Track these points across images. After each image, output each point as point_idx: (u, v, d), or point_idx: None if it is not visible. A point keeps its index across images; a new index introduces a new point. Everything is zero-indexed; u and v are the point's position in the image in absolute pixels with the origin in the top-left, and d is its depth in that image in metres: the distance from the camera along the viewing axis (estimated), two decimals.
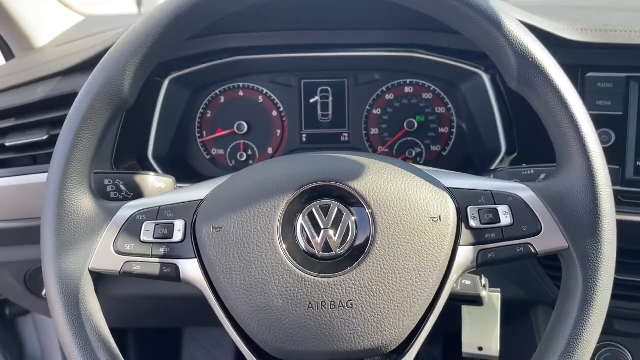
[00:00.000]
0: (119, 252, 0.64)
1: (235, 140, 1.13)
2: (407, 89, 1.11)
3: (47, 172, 0.95)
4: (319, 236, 0.62)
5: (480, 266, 0.64)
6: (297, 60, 1.06)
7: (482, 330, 0.92)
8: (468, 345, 0.93)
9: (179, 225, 0.65)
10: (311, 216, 0.62)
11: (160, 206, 0.66)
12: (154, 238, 0.64)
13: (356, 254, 0.61)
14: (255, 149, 1.13)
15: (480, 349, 0.92)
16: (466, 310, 0.93)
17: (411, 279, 0.61)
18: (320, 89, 1.11)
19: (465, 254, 0.63)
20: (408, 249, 0.61)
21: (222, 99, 1.12)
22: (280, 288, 0.60)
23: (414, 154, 1.11)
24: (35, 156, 0.99)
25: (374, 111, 1.11)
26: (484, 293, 0.79)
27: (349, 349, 0.60)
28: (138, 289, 1.11)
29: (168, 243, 0.64)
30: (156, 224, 0.65)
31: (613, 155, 0.90)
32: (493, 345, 0.92)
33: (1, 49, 1.20)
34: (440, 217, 0.62)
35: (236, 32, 1.04)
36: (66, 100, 0.97)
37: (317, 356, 0.61)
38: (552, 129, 0.64)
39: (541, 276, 1.00)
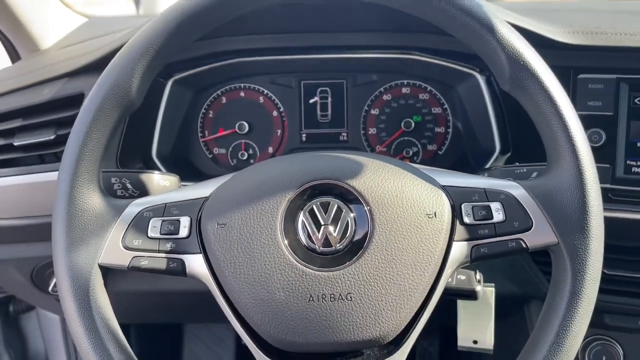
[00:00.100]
0: (127, 248, 0.66)
1: (237, 140, 1.14)
2: (404, 90, 1.12)
3: (53, 171, 0.98)
4: (319, 232, 0.63)
5: (474, 261, 0.65)
6: (296, 61, 1.07)
7: (477, 324, 0.92)
8: (463, 338, 0.94)
9: (185, 221, 0.66)
10: (312, 213, 0.64)
11: (166, 203, 0.67)
12: (161, 234, 0.66)
13: (355, 249, 0.63)
14: (256, 148, 1.14)
15: (475, 342, 0.93)
16: (461, 305, 0.94)
17: (408, 272, 0.62)
18: (319, 89, 1.12)
19: (460, 249, 0.65)
20: (404, 244, 0.62)
21: (224, 100, 1.13)
22: (282, 281, 0.62)
23: (411, 153, 1.13)
24: (42, 155, 1.00)
25: (372, 111, 1.13)
26: (478, 288, 0.80)
27: (348, 340, 0.61)
28: (142, 285, 1.12)
29: (174, 239, 0.66)
30: (163, 221, 0.66)
31: (603, 154, 0.92)
32: (487, 338, 0.93)
33: (8, 50, 1.21)
34: (435, 213, 0.64)
35: (237, 35, 1.05)
36: (73, 101, 0.98)
37: (318, 347, 0.62)
38: (543, 129, 0.65)
39: (534, 272, 1.01)
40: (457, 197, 0.66)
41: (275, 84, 1.12)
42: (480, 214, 0.65)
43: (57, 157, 1.00)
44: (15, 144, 1.00)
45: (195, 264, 0.65)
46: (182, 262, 0.66)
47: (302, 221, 0.64)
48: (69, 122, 0.97)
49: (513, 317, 1.16)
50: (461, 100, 1.09)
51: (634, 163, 0.92)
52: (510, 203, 0.65)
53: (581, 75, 0.94)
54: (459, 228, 0.65)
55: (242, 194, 0.65)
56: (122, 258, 0.66)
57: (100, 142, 0.67)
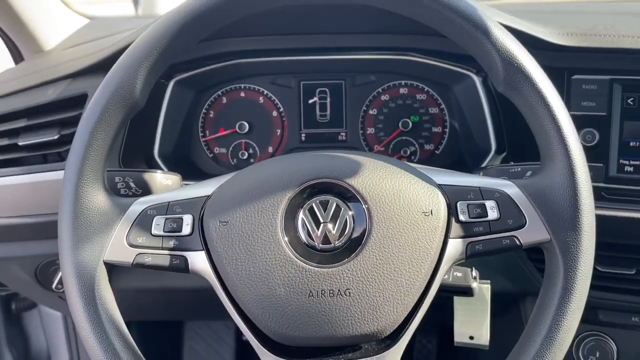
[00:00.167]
0: (131, 245, 0.67)
1: (237, 140, 1.15)
2: (402, 90, 1.13)
3: (57, 170, 0.99)
4: (318, 229, 0.64)
5: (469, 257, 0.67)
6: (296, 62, 1.08)
7: (473, 320, 0.93)
8: (460, 334, 0.94)
9: (188, 219, 0.67)
10: (311, 211, 0.65)
11: (169, 202, 0.69)
12: (164, 232, 0.67)
13: (353, 246, 0.64)
14: (256, 148, 1.15)
15: (472, 338, 0.93)
16: (458, 302, 0.94)
17: (404, 269, 0.63)
18: (318, 90, 1.13)
19: (455, 246, 0.66)
20: (401, 241, 0.64)
21: (224, 100, 1.14)
22: (283, 278, 0.63)
23: (408, 152, 1.14)
24: (46, 155, 1.01)
25: (370, 111, 1.14)
26: (474, 284, 0.81)
27: (347, 334, 0.63)
28: (144, 282, 1.13)
29: (177, 236, 0.67)
30: (166, 219, 0.67)
31: (597, 153, 0.93)
32: (483, 334, 0.93)
33: (11, 52, 1.22)
34: (431, 211, 0.65)
35: (238, 36, 1.06)
36: (76, 101, 0.99)
37: (317, 341, 0.63)
38: (536, 130, 0.67)
39: (529, 269, 1.02)
40: (452, 195, 0.67)
41: (275, 84, 1.13)
42: (476, 212, 0.66)
43: (61, 157, 1.01)
44: (20, 143, 1.01)
45: (198, 260, 0.67)
46: (185, 259, 0.67)
47: (302, 219, 0.65)
48: (73, 122, 0.99)
49: (508, 314, 1.16)
50: (458, 101, 1.10)
51: (626, 162, 0.94)
52: (504, 201, 0.67)
53: (575, 76, 0.95)
54: (455, 226, 0.66)
55: (243, 192, 0.67)
56: (126, 255, 0.67)
57: (105, 142, 0.68)
